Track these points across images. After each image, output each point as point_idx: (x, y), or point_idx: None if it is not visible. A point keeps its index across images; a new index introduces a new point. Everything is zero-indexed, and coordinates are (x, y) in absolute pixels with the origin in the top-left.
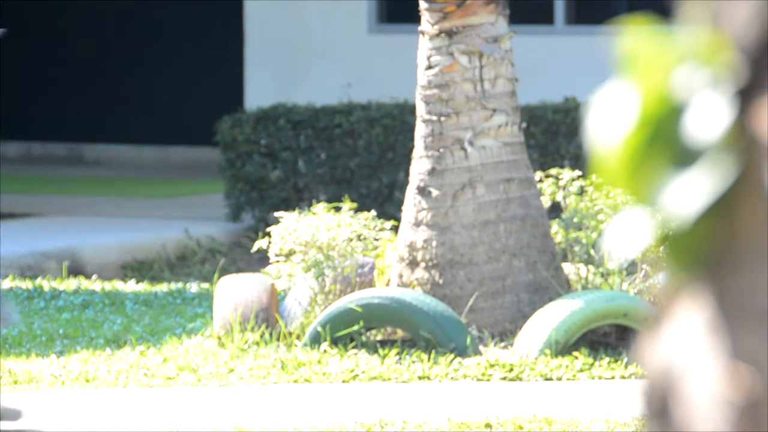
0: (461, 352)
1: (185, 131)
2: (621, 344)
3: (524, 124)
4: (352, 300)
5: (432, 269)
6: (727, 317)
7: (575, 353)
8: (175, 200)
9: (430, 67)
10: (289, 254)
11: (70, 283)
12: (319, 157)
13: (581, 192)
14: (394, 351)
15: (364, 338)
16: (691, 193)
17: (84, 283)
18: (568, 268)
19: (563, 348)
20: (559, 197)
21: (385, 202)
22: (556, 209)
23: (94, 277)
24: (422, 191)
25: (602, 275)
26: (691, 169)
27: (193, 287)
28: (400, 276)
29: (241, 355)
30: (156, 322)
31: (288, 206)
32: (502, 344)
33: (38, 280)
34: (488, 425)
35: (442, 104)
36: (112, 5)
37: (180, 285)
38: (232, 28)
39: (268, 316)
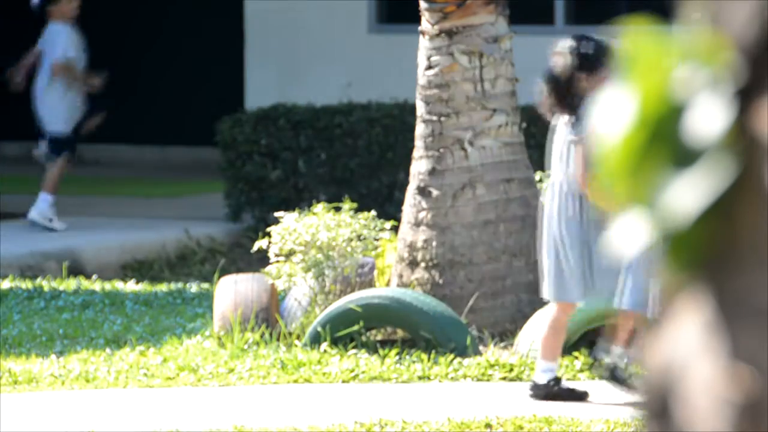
0: (461, 352)
1: (185, 131)
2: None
3: (524, 124)
4: (352, 300)
5: (432, 269)
6: (727, 317)
7: (575, 353)
8: (175, 200)
9: (430, 67)
10: (289, 254)
11: (70, 283)
12: (319, 157)
13: None
14: (394, 351)
15: (364, 338)
16: (691, 193)
17: (84, 283)
18: None
19: (563, 348)
20: None
21: (385, 202)
22: None
23: (94, 277)
24: (422, 191)
25: None
26: (691, 169)
27: (193, 287)
28: (400, 276)
29: (241, 355)
30: (156, 322)
31: (288, 206)
32: (502, 344)
33: (38, 280)
34: (488, 425)
35: (442, 104)
36: (112, 5)
37: (180, 285)
38: (232, 28)
39: (268, 316)
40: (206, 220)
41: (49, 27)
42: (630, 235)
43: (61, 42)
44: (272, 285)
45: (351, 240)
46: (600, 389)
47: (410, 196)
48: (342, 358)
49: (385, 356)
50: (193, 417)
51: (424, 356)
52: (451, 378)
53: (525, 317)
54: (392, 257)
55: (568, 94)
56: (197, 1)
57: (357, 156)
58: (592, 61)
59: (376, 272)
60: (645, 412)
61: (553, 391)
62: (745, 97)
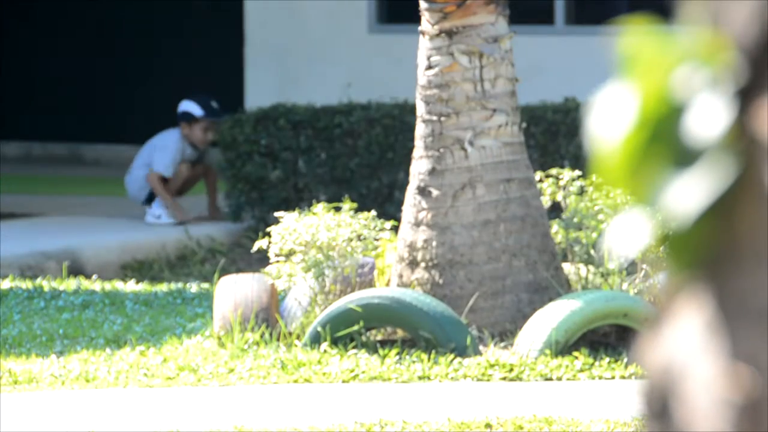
0: (461, 352)
1: None
2: (621, 344)
3: (524, 124)
4: (352, 300)
5: (432, 269)
6: (727, 317)
7: (575, 353)
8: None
9: (430, 67)
10: (289, 254)
11: (70, 283)
12: (319, 157)
13: (581, 192)
14: (394, 351)
15: (364, 338)
16: (691, 193)
17: (84, 283)
18: (568, 268)
19: (563, 348)
20: (559, 197)
21: (385, 202)
22: (556, 209)
23: (94, 277)
24: (422, 191)
25: (602, 275)
26: (691, 169)
27: (193, 287)
28: (400, 276)
29: (241, 355)
30: (156, 322)
31: (288, 206)
32: (502, 344)
33: (38, 280)
34: (488, 425)
35: (442, 104)
36: (112, 6)
37: (180, 285)
38: (232, 28)
39: (268, 316)
40: (206, 220)
41: (171, 132)
42: (630, 234)
43: (170, 154)
44: (272, 285)
45: (351, 240)
46: (600, 389)
47: (410, 196)
48: (342, 358)
49: (385, 356)
50: (193, 417)
51: (424, 356)
52: (451, 378)
53: (525, 317)
54: (392, 257)
55: None
56: (197, 0)
57: (357, 156)
58: None
59: (376, 272)
60: (645, 412)
61: None
62: (745, 97)
